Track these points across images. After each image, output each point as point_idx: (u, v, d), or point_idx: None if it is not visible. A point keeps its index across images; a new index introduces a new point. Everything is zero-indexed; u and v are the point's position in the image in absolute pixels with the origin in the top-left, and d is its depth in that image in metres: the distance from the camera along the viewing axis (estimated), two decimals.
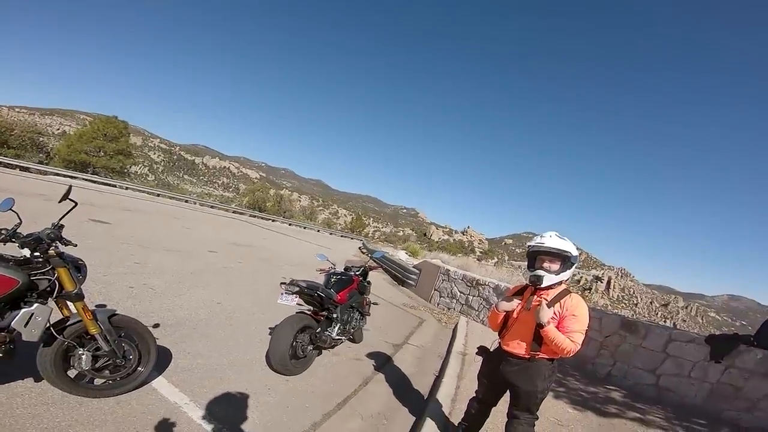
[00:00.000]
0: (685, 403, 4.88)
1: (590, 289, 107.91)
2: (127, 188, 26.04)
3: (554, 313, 2.33)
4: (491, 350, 2.72)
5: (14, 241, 2.19)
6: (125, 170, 33.00)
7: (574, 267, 2.41)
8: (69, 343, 2.33)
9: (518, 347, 2.46)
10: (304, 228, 37.29)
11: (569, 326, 2.29)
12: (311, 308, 4.11)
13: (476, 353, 2.80)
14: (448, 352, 5.63)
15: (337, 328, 4.12)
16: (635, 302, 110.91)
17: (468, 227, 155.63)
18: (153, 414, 2.51)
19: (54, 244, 2.26)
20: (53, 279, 2.23)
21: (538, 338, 2.36)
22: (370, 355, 4.72)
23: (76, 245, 2.40)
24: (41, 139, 30.34)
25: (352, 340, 4.96)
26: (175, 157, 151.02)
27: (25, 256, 2.22)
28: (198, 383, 3.04)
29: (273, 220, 34.25)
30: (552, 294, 2.42)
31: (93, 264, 5.49)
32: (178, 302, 4.86)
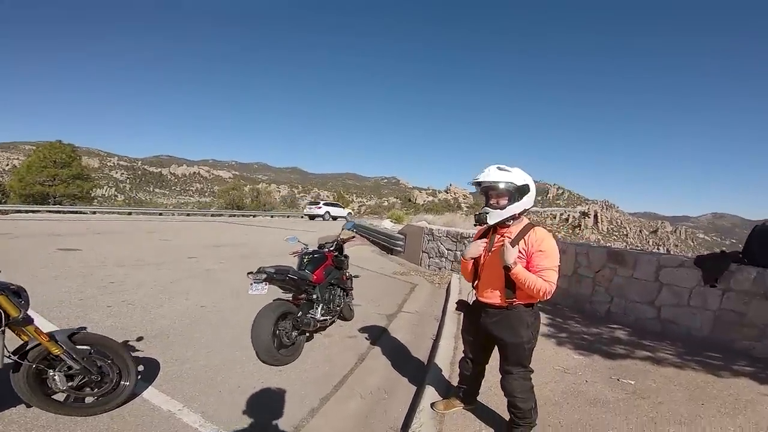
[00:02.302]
0: (692, 335, 4.67)
1: (579, 225, 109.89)
2: (95, 212, 25.10)
3: (520, 251, 2.19)
4: (470, 303, 2.57)
5: None
6: (88, 194, 31.72)
7: (526, 197, 2.25)
8: (37, 366, 2.31)
9: (493, 296, 2.31)
10: (288, 217, 36.94)
11: (538, 264, 2.14)
12: (292, 294, 4.06)
13: (455, 309, 2.71)
14: (444, 312, 5.65)
15: (320, 308, 4.05)
16: (625, 233, 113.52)
17: (450, 185, 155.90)
18: (147, 425, 2.49)
19: None
20: None
21: (510, 283, 2.20)
22: (364, 330, 4.71)
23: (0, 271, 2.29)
24: None
25: (344, 318, 4.92)
26: (139, 172, 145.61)
27: None
28: (190, 388, 3.00)
29: (254, 216, 33.76)
30: (514, 231, 2.27)
31: (67, 291, 5.35)
32: (161, 312, 4.75)
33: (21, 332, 2.31)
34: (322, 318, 4.04)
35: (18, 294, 2.32)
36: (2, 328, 2.18)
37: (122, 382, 2.63)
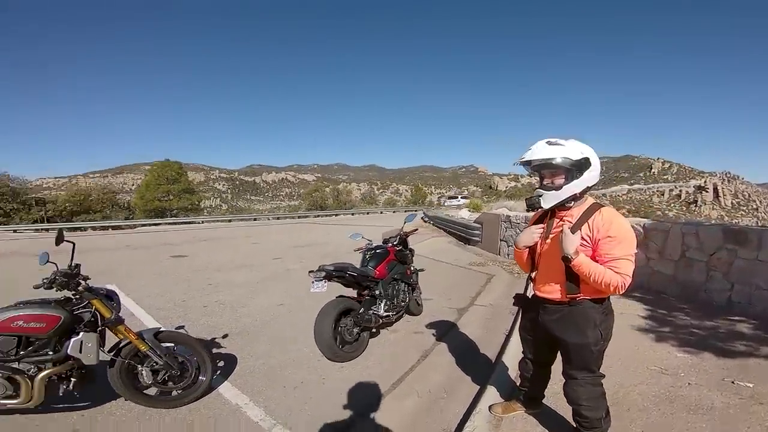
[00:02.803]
0: None
1: (695, 202, 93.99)
2: (202, 222, 28.59)
3: (583, 238, 1.85)
4: (529, 298, 2.26)
5: (53, 287, 2.45)
6: (197, 206, 36.20)
7: (588, 173, 1.89)
8: (129, 362, 2.62)
9: (552, 290, 2.00)
10: (368, 213, 38.04)
11: (607, 252, 1.80)
12: (357, 291, 4.09)
13: (513, 303, 2.43)
14: (514, 304, 5.25)
15: (383, 304, 4.01)
16: (754, 207, 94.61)
17: None
18: (217, 417, 2.69)
19: (80, 282, 2.50)
20: (93, 311, 2.52)
21: (572, 276, 1.88)
22: (431, 326, 4.57)
23: (89, 278, 2.60)
24: (118, 196, 34.43)
25: (411, 313, 4.83)
26: (237, 182, 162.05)
27: (66, 296, 2.55)
28: (258, 383, 3.18)
29: (336, 215, 35.37)
30: (576, 214, 1.93)
31: (173, 294, 6.10)
32: (245, 311, 5.18)
33: (117, 331, 2.65)
34: (385, 314, 4.00)
35: (110, 297, 2.68)
36: (99, 328, 2.54)
37: (200, 377, 2.87)
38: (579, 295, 1.92)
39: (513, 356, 3.47)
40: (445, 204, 32.13)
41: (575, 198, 1.94)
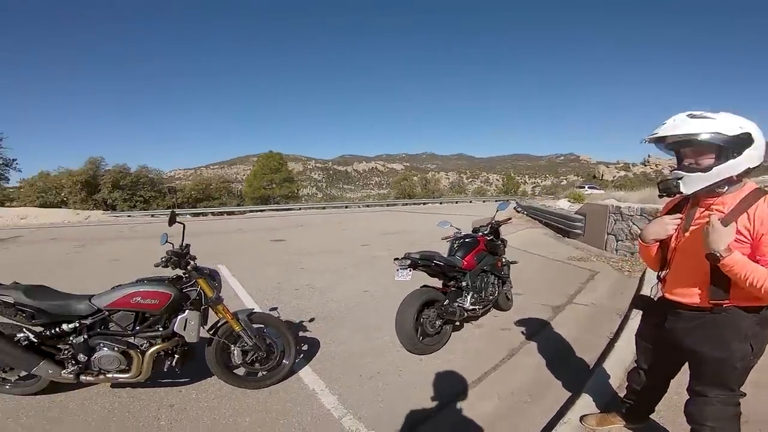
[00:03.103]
0: None
1: None
2: (300, 209, 30.89)
3: (739, 232, 1.46)
4: (654, 300, 1.89)
5: (168, 266, 2.67)
6: (295, 194, 39.25)
7: (749, 151, 1.44)
8: (224, 342, 2.76)
9: (689, 293, 1.63)
10: (456, 202, 37.28)
11: None
12: (442, 282, 3.90)
13: (632, 305, 2.04)
14: (632, 306, 4.56)
15: (469, 297, 3.76)
16: None
17: (649, 156, 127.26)
18: (292, 401, 2.73)
19: (189, 261, 2.67)
20: (198, 289, 2.67)
21: (720, 277, 1.50)
22: (521, 323, 4.18)
23: (196, 258, 2.76)
24: (231, 186, 39.07)
25: (499, 308, 4.49)
26: (330, 172, 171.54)
27: (177, 274, 2.73)
28: (336, 370, 3.19)
29: (424, 204, 35.32)
30: (730, 202, 1.52)
31: (270, 276, 6.59)
32: (332, 296, 5.33)
33: (216, 311, 2.81)
34: (471, 307, 3.76)
35: (213, 277, 2.83)
36: (203, 307, 2.71)
37: (284, 361, 2.96)
38: (726, 301, 1.52)
39: (616, 363, 3.03)
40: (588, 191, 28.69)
41: (730, 182, 1.51)
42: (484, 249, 4.16)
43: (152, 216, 25.96)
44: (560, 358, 3.41)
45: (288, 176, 39.13)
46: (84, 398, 2.74)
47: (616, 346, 3.34)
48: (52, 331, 2.52)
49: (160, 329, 2.60)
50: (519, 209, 17.81)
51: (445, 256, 3.95)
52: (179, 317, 2.59)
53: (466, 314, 3.77)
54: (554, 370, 3.16)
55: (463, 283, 3.80)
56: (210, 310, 2.77)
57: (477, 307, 3.87)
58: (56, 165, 44.49)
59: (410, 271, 3.47)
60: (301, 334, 3.92)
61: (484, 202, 39.17)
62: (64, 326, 2.52)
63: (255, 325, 2.85)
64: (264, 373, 2.90)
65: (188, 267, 2.66)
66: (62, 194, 30.17)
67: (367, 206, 33.59)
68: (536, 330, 4.04)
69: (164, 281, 2.64)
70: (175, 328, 2.58)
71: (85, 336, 2.53)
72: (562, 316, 4.50)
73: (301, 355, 3.39)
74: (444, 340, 3.61)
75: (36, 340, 2.51)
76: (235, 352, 2.77)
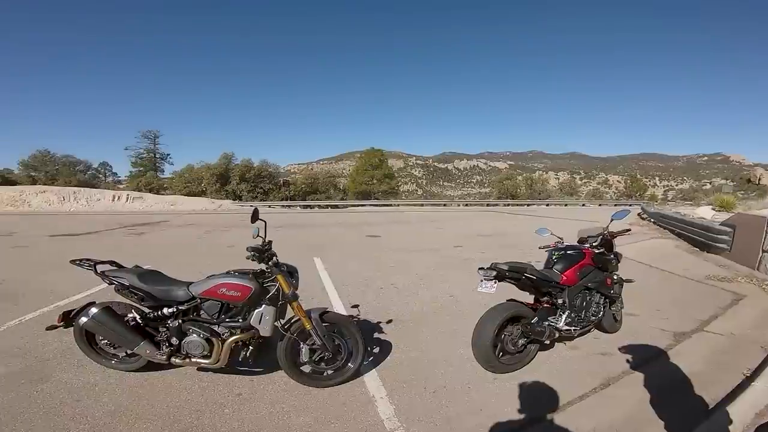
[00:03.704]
0: None
1: None
2: (398, 205, 31.46)
3: None
4: None
5: (254, 260, 2.73)
6: (395, 190, 40.11)
7: None
8: (295, 339, 2.77)
9: None
10: (566, 205, 34.09)
11: None
12: (534, 297, 3.44)
13: None
14: None
15: (565, 316, 3.24)
16: None
17: None
18: (349, 406, 2.62)
19: (270, 257, 2.73)
20: (277, 285, 2.72)
21: None
22: (627, 349, 3.48)
23: (276, 254, 2.78)
24: (336, 180, 41.67)
25: (603, 329, 3.81)
26: (431, 169, 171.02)
27: (261, 269, 2.80)
28: (402, 377, 3.00)
29: (528, 205, 33.02)
30: None
31: (361, 271, 6.71)
32: (415, 298, 5.15)
33: (292, 307, 2.81)
34: (565, 328, 3.25)
35: (291, 274, 2.87)
36: (280, 302, 2.74)
37: (349, 364, 2.88)
38: None
39: (745, 407, 2.40)
40: None
41: None
42: (591, 263, 3.56)
43: (269, 207, 29.09)
44: (672, 394, 2.75)
45: (388, 172, 40.12)
46: (173, 379, 2.92)
47: (751, 386, 2.63)
48: (155, 314, 2.80)
49: (240, 320, 2.72)
50: (645, 216, 15.39)
51: (541, 267, 3.49)
52: (256, 311, 2.68)
53: (558, 335, 3.27)
54: (658, 407, 2.55)
55: (560, 300, 3.30)
56: (288, 306, 2.81)
57: (573, 328, 3.33)
58: (199, 159, 53.40)
59: (495, 283, 3.11)
60: (375, 335, 3.83)
61: (600, 205, 35.12)
62: (165, 310, 2.78)
63: (326, 325, 2.83)
64: (329, 372, 2.87)
65: (269, 263, 2.73)
66: (202, 185, 35.67)
67: (466, 205, 32.72)
68: (646, 359, 3.34)
69: (248, 275, 2.73)
70: (251, 321, 2.68)
71: (180, 321, 2.76)
72: (685, 345, 3.66)
73: (371, 358, 3.28)
74: (526, 360, 3.18)
75: (141, 322, 2.81)
76: (304, 349, 2.78)
